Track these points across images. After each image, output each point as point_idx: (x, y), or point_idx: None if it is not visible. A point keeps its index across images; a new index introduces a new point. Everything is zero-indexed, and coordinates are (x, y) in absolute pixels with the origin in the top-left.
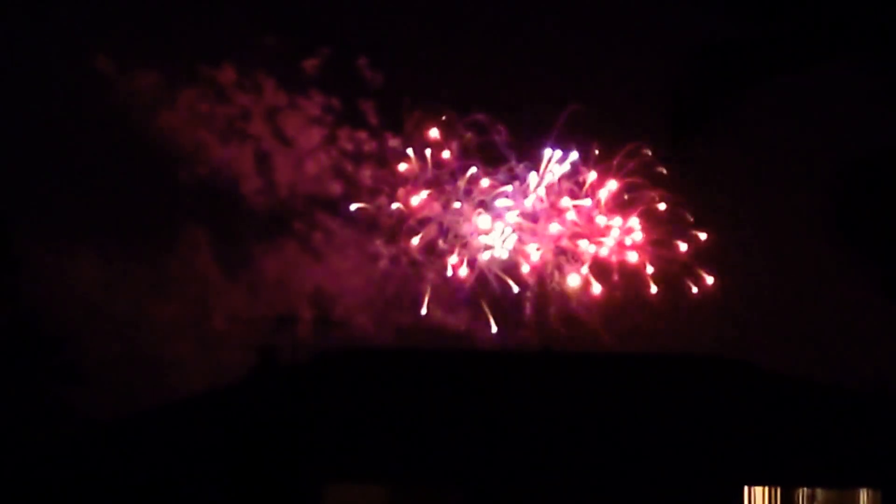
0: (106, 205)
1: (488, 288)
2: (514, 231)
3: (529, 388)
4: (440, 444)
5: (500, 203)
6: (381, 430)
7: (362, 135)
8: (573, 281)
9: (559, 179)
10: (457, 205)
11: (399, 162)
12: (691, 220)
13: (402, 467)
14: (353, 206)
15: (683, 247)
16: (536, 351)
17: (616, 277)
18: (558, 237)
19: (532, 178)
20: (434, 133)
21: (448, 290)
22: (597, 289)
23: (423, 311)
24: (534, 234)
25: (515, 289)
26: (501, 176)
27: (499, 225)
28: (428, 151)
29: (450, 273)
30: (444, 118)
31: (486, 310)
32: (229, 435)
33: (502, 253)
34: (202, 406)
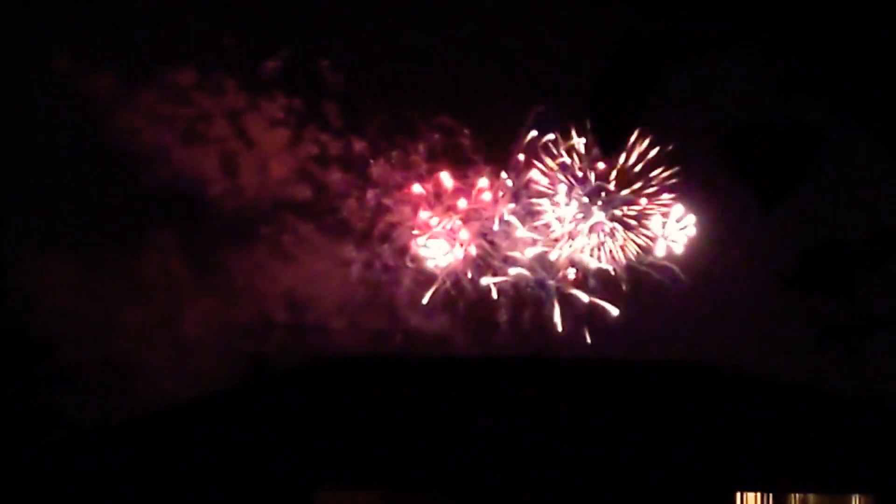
0: (71, 209)
1: (463, 292)
2: (486, 234)
3: (522, 393)
4: (433, 451)
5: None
6: (373, 436)
7: (326, 137)
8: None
9: (527, 182)
10: (425, 214)
11: (365, 165)
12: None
13: (396, 473)
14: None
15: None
16: (528, 356)
17: (593, 282)
18: (534, 241)
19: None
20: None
21: (423, 295)
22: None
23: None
24: (507, 237)
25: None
26: (469, 178)
27: (466, 230)
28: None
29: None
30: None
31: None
32: (221, 442)
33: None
34: (192, 413)
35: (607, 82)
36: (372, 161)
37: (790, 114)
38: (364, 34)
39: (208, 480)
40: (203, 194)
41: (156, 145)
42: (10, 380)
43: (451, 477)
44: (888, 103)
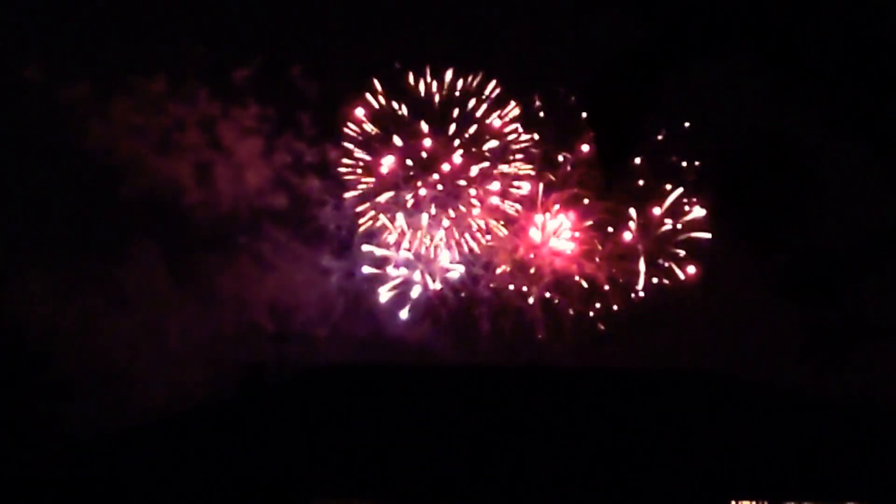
0: (56, 220)
1: (445, 301)
2: (460, 240)
3: (515, 401)
4: (429, 459)
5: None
6: (369, 444)
7: (301, 145)
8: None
9: (503, 189)
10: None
11: (341, 173)
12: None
13: (392, 482)
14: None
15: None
16: (520, 365)
17: (574, 289)
18: (514, 249)
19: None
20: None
21: (403, 304)
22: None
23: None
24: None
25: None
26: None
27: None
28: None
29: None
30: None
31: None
32: (217, 452)
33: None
34: (189, 423)
35: (606, 95)
36: (350, 167)
37: (782, 125)
38: (337, 41)
39: (205, 491)
40: (181, 204)
41: (132, 155)
42: (3, 391)
43: (447, 485)
44: (878, 112)
